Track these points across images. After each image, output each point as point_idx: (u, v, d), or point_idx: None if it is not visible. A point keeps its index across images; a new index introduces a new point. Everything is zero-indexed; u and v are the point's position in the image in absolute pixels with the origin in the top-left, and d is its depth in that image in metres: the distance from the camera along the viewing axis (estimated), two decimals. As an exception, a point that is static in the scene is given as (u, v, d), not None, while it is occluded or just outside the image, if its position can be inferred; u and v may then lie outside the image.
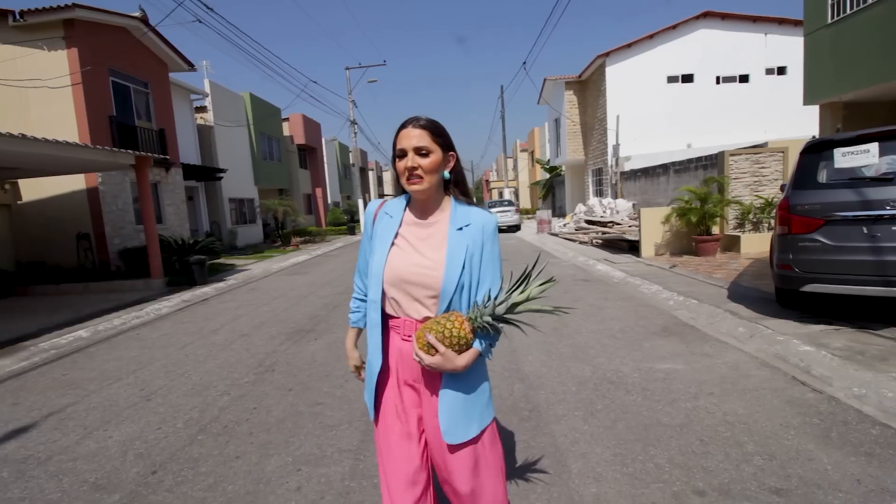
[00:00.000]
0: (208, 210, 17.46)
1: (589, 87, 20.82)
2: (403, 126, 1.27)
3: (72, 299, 8.46)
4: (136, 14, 11.27)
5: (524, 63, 20.12)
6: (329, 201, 30.98)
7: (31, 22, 9.79)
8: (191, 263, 9.29)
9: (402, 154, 1.25)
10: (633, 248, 10.35)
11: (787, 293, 4.64)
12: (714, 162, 10.24)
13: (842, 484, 2.10)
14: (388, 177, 68.34)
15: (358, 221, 24.87)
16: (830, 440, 2.47)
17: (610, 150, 18.43)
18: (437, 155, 1.26)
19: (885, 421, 2.63)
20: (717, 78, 18.02)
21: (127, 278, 9.61)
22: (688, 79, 18.15)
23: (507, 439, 2.65)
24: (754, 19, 17.52)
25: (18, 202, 10.62)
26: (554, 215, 24.15)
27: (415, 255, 1.28)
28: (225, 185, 17.88)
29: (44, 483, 2.48)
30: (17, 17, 9.78)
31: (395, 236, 1.31)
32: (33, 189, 10.55)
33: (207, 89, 17.16)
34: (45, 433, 3.09)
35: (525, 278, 1.23)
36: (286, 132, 25.22)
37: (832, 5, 8.04)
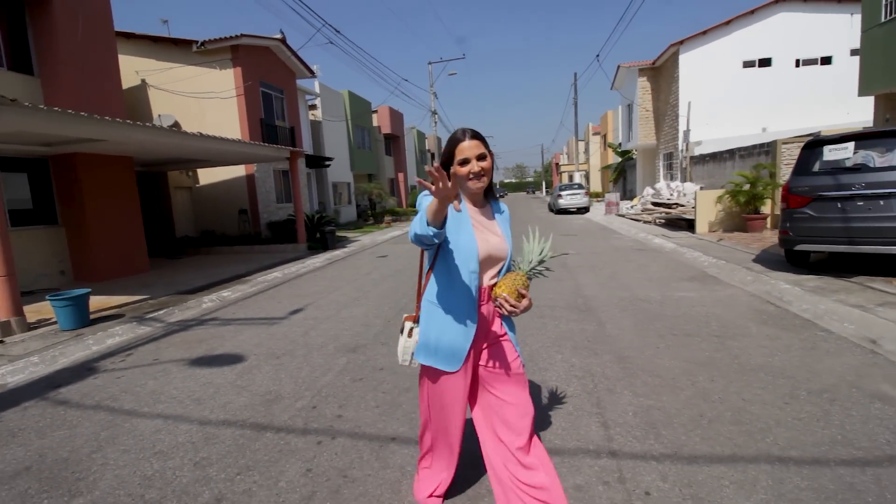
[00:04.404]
0: (317, 192, 20.71)
1: (662, 74, 21.44)
2: (459, 140, 1.56)
3: (245, 257, 11.55)
4: (278, 36, 14.20)
5: (597, 56, 21.12)
6: (409, 184, 33.84)
7: (210, 48, 12.95)
8: (325, 232, 12.10)
9: (465, 161, 1.56)
10: (690, 226, 11.70)
11: (790, 253, 6.18)
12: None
13: (754, 333, 3.96)
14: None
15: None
16: (764, 322, 4.28)
17: (681, 135, 19.19)
18: (489, 157, 1.60)
19: (810, 318, 4.36)
20: (797, 61, 18.08)
21: (276, 244, 12.65)
22: (765, 63, 18.37)
23: (573, 318, 4.73)
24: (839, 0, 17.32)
25: (196, 185, 14.11)
26: (624, 198, 25.06)
27: (491, 236, 1.64)
28: (329, 172, 21.01)
29: (333, 325, 4.94)
30: (200, 44, 12.98)
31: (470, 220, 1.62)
32: (206, 176, 13.97)
33: (317, 90, 20.21)
34: (311, 311, 5.63)
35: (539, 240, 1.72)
36: (375, 123, 28.15)
37: (886, 6, 8.86)
